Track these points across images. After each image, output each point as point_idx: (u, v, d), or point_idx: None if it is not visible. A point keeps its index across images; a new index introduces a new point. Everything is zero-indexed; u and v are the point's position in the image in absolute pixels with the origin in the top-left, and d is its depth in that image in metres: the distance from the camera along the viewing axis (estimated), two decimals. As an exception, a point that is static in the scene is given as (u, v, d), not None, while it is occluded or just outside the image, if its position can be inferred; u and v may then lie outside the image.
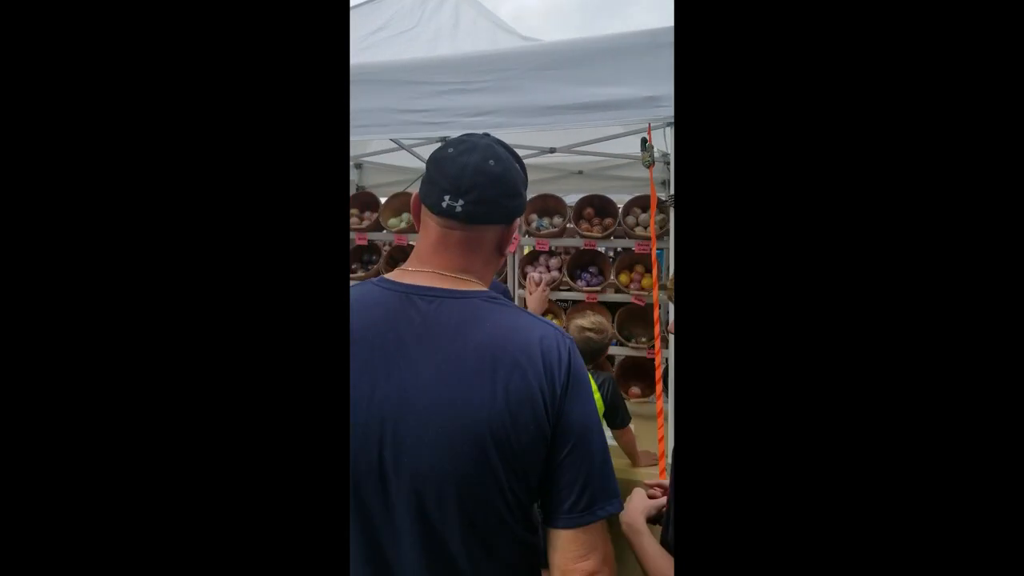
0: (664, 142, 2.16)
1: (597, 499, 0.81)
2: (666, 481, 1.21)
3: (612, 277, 3.04)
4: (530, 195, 3.25)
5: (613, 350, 2.81)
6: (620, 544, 2.00)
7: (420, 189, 0.91)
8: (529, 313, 0.91)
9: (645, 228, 3.00)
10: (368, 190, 3.79)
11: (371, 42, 2.61)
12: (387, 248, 3.45)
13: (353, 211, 3.43)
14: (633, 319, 3.05)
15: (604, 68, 1.76)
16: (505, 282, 3.12)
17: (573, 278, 3.10)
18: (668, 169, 3.45)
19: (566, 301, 3.29)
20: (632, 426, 2.16)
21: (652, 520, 1.07)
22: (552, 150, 3.28)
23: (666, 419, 1.88)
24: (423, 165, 0.97)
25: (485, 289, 0.90)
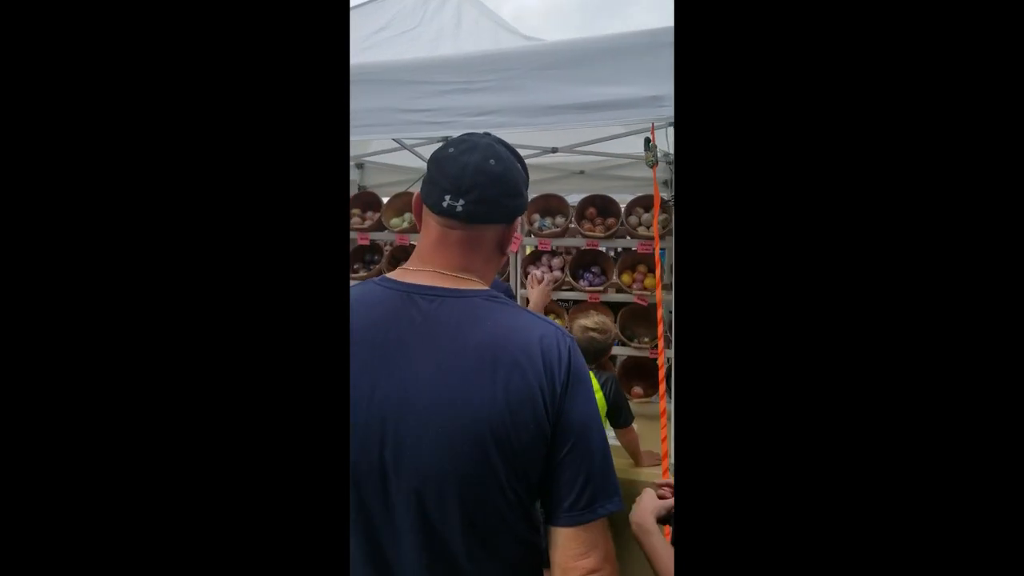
0: (667, 142, 2.16)
1: (598, 497, 0.81)
2: None
3: (615, 277, 3.04)
4: (531, 195, 3.25)
5: (615, 350, 2.80)
6: (621, 543, 1.99)
7: (421, 189, 0.91)
8: (530, 312, 0.91)
9: (648, 228, 3.00)
10: (370, 190, 3.79)
11: (373, 42, 2.61)
12: (388, 248, 3.45)
13: (355, 211, 3.43)
14: (635, 319, 3.04)
15: (607, 68, 1.76)
16: (507, 281, 3.12)
17: (575, 278, 3.10)
18: (671, 169, 3.45)
19: (567, 301, 3.29)
20: (635, 425, 2.16)
21: (662, 520, 1.07)
22: (554, 150, 3.27)
23: (670, 419, 1.88)
24: (425, 165, 0.97)
25: (486, 288, 0.90)
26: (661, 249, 2.29)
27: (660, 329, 1.94)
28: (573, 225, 3.18)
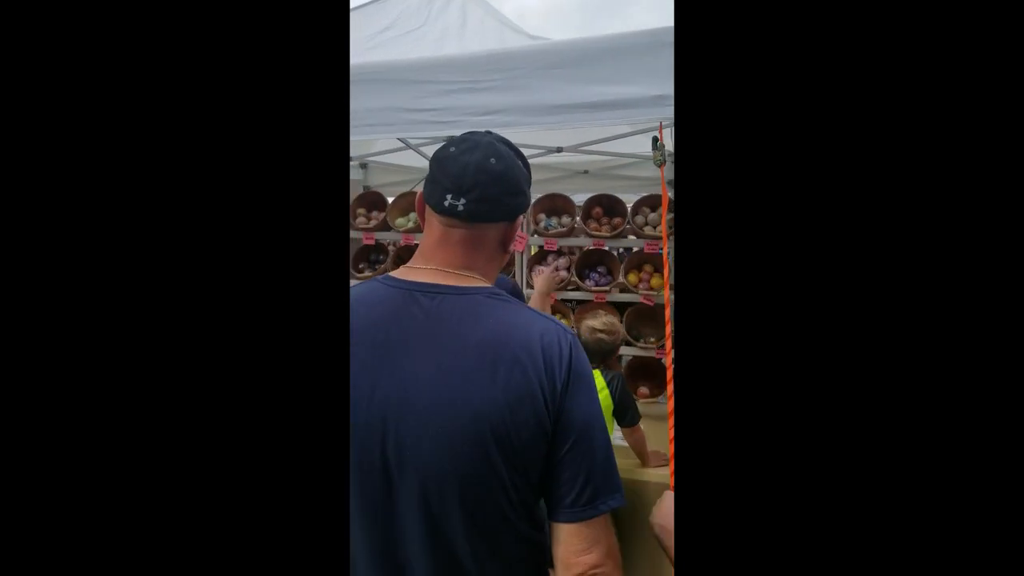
0: (673, 141, 2.15)
1: (600, 493, 0.81)
2: None
3: (621, 277, 3.03)
4: (535, 195, 3.25)
5: (621, 350, 2.79)
6: (626, 540, 1.98)
7: (424, 188, 0.92)
8: (531, 309, 0.91)
9: (654, 228, 2.99)
10: (375, 189, 3.79)
11: (378, 41, 2.61)
12: (392, 248, 3.45)
13: (360, 211, 3.44)
14: (642, 319, 3.03)
15: (613, 67, 1.75)
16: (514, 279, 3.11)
17: (581, 278, 3.09)
18: (676, 168, 3.43)
19: (571, 301, 3.28)
20: (641, 425, 2.15)
21: None
22: (559, 149, 3.26)
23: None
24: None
25: (488, 285, 0.90)
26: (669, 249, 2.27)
27: (668, 329, 1.93)
28: (579, 225, 3.18)
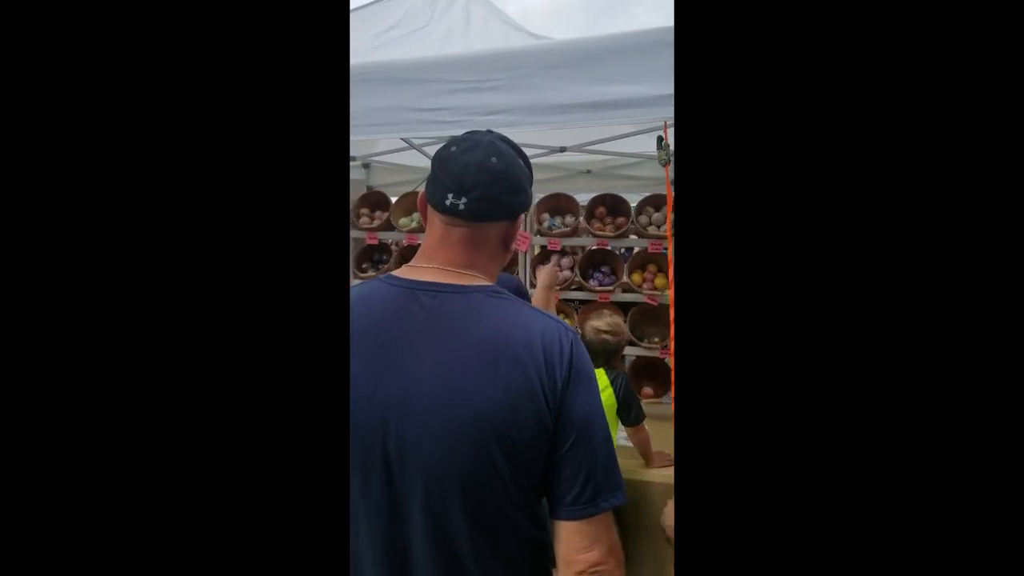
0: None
1: (601, 491, 0.81)
2: None
3: (624, 277, 3.02)
4: (539, 195, 3.25)
5: (625, 350, 2.79)
6: (629, 538, 1.97)
7: (426, 188, 0.92)
8: (532, 307, 0.91)
9: (658, 227, 2.99)
10: (378, 189, 3.79)
11: (382, 41, 2.61)
12: (396, 247, 3.45)
13: (364, 211, 3.44)
14: (645, 319, 3.03)
15: (616, 66, 1.75)
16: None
17: (585, 278, 3.09)
18: (681, 168, 3.41)
19: (574, 301, 3.28)
20: (645, 425, 2.14)
21: None
22: (562, 149, 3.26)
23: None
24: (433, 164, 0.97)
25: (489, 284, 0.90)
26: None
27: (672, 329, 1.92)
28: (583, 225, 3.17)
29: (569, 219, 3.16)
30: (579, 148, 3.27)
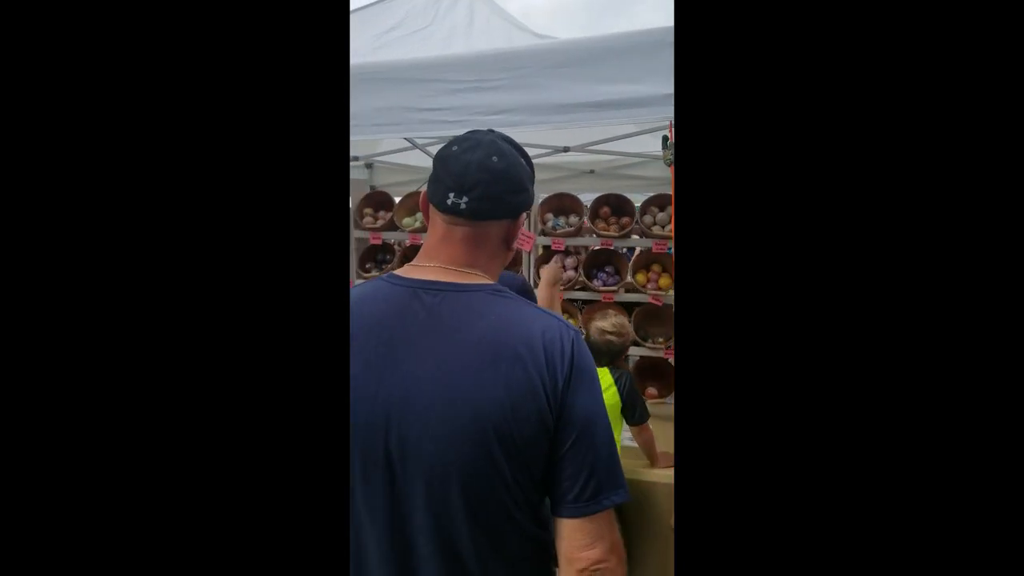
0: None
1: (603, 489, 0.81)
2: None
3: (629, 277, 3.02)
4: (544, 194, 3.25)
5: (629, 350, 2.78)
6: (632, 537, 1.96)
7: (427, 187, 0.92)
8: (533, 306, 0.91)
9: (662, 227, 2.98)
10: (381, 189, 3.79)
11: (385, 41, 2.60)
12: (399, 247, 3.45)
13: (367, 211, 3.44)
14: (649, 319, 3.02)
15: (619, 66, 1.74)
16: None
17: (589, 278, 3.08)
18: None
19: (578, 301, 3.27)
20: (649, 424, 2.13)
21: None
22: (566, 149, 3.25)
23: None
24: (436, 164, 0.97)
25: (491, 282, 0.90)
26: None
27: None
28: (587, 224, 3.17)
29: (573, 219, 3.15)
30: (582, 148, 3.26)
